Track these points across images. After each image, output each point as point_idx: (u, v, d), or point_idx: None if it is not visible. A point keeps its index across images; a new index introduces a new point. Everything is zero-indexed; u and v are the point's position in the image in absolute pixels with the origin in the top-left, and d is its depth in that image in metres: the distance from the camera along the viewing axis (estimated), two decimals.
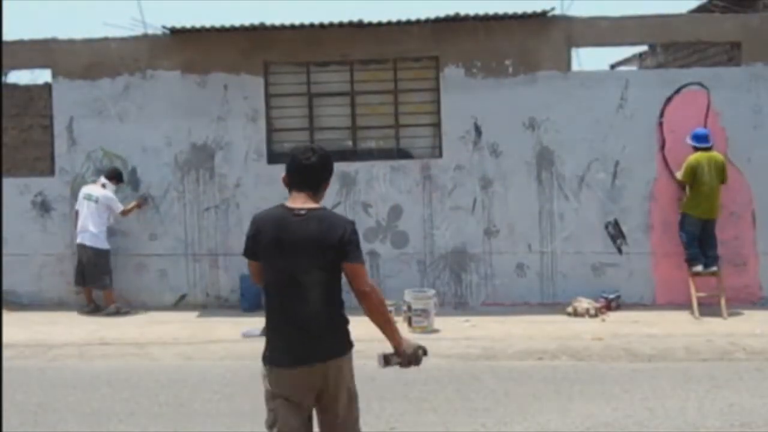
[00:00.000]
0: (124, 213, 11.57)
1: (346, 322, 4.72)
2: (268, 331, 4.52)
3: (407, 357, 4.87)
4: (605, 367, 8.28)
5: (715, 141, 11.19)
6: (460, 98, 11.52)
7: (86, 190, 11.58)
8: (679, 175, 10.94)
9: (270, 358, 4.46)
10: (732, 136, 11.29)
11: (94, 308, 11.54)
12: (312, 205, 4.72)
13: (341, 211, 11.43)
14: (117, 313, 11.38)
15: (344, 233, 4.51)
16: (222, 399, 7.22)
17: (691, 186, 10.84)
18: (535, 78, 11.48)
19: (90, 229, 11.43)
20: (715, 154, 10.89)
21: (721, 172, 10.83)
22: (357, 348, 9.15)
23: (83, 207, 11.52)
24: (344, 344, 4.70)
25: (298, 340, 4.41)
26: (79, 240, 11.51)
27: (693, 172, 10.76)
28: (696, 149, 10.84)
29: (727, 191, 11.13)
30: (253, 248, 4.64)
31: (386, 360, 4.91)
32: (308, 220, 4.60)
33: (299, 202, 4.76)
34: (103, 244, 11.49)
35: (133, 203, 11.68)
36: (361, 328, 10.38)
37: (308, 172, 4.84)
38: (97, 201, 11.45)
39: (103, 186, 11.53)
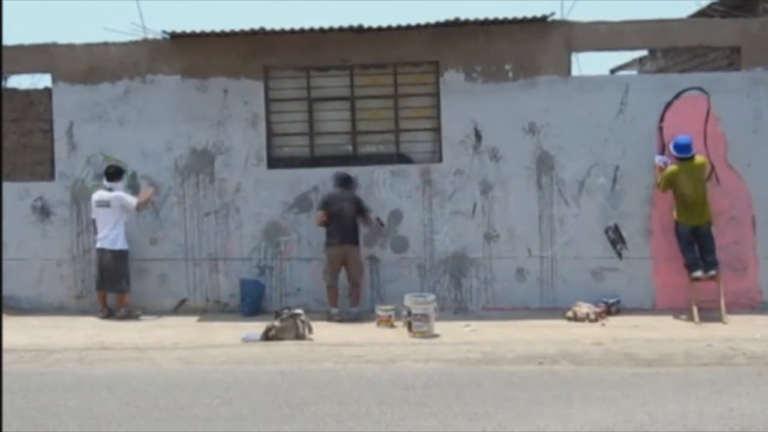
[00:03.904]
0: (140, 206, 11.55)
1: (359, 233, 11.32)
2: (329, 234, 11.20)
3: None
4: (605, 372, 8.27)
5: (714, 146, 11.22)
6: (460, 103, 11.54)
7: (97, 196, 11.56)
8: (660, 186, 10.99)
9: (329, 244, 11.21)
10: (732, 141, 11.30)
11: (108, 313, 11.48)
12: (346, 190, 11.34)
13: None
14: (128, 316, 11.36)
15: (359, 199, 11.32)
16: (222, 403, 7.21)
17: (675, 196, 10.89)
18: (535, 82, 11.49)
19: (107, 233, 11.42)
20: (697, 159, 10.90)
21: (703, 175, 10.88)
22: (358, 352, 9.26)
23: (98, 214, 11.54)
24: (357, 241, 11.29)
25: (342, 237, 11.11)
26: (98, 245, 11.49)
27: (669, 183, 10.81)
28: (678, 159, 10.86)
29: (726, 196, 11.17)
30: (326, 204, 11.19)
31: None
32: (347, 193, 11.28)
33: (339, 189, 11.31)
34: (121, 245, 11.47)
35: (144, 194, 11.65)
36: (360, 334, 10.42)
37: (346, 180, 11.42)
38: (108, 205, 11.43)
39: (110, 189, 11.50)
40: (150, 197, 11.71)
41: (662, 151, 11.24)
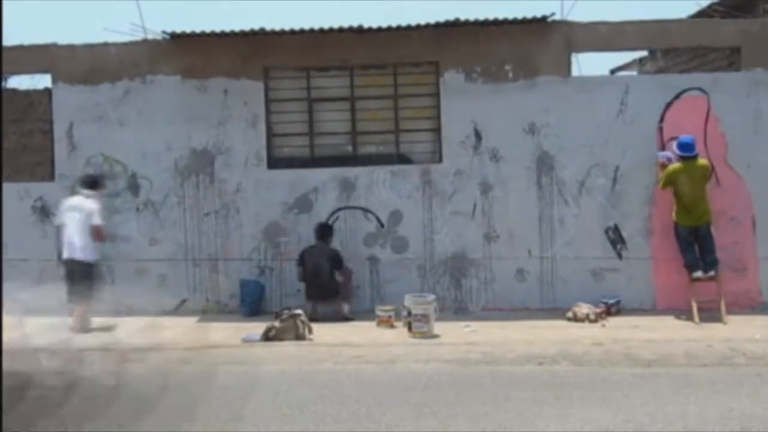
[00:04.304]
0: (98, 231, 10.71)
1: (338, 287, 11.23)
2: (306, 287, 11.29)
3: None
4: (605, 373, 8.27)
5: (714, 146, 11.22)
6: (460, 103, 11.53)
7: (70, 202, 10.94)
8: (659, 183, 10.99)
9: (307, 296, 11.25)
10: (732, 142, 11.30)
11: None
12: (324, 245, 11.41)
13: (342, 215, 11.69)
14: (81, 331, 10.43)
15: (336, 254, 11.30)
16: (222, 404, 7.20)
17: (675, 196, 10.89)
18: (535, 83, 11.49)
19: (76, 243, 10.69)
20: (699, 161, 10.89)
21: (703, 177, 10.86)
22: (357, 353, 9.21)
23: (68, 219, 10.79)
24: (335, 295, 11.22)
25: (317, 294, 11.16)
26: (66, 255, 10.75)
27: (669, 181, 10.81)
28: (680, 158, 10.85)
29: (726, 197, 11.16)
30: (302, 260, 11.34)
31: None
32: (325, 248, 11.37)
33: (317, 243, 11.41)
34: (92, 256, 10.77)
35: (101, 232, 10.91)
36: (360, 334, 10.41)
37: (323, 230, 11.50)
38: (80, 211, 10.75)
39: (87, 197, 10.88)
40: (102, 237, 10.89)
41: (663, 150, 11.24)
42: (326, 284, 11.18)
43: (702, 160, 10.95)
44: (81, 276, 10.67)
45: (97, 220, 10.73)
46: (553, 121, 11.47)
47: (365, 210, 11.70)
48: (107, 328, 10.78)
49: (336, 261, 11.29)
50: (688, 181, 10.79)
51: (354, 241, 11.71)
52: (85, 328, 10.59)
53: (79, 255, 10.71)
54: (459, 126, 11.58)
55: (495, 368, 8.50)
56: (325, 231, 11.48)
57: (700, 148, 11.09)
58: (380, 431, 6.43)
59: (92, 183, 11.10)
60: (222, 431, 6.51)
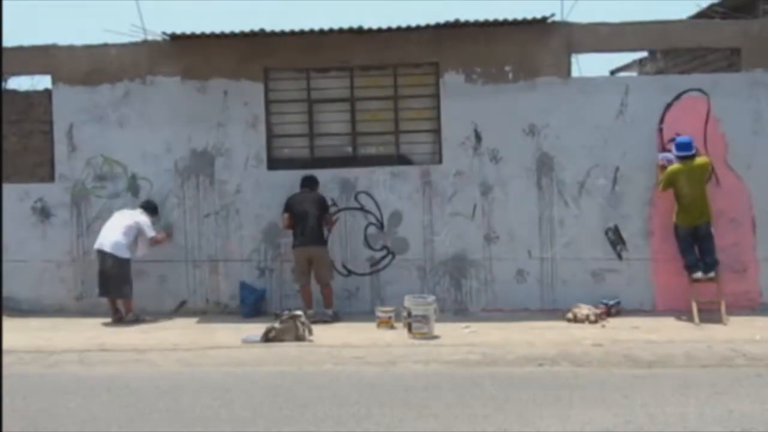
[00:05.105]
0: (156, 241, 11.49)
1: (323, 235, 11.32)
2: (294, 235, 11.26)
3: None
4: (605, 373, 8.26)
5: (714, 147, 11.22)
6: (460, 104, 11.54)
7: (123, 210, 11.60)
8: (660, 185, 10.99)
9: (294, 246, 11.24)
10: (732, 143, 11.30)
11: (119, 317, 11.36)
12: (309, 191, 11.33)
13: (341, 216, 11.70)
14: (136, 321, 11.27)
15: (323, 199, 11.33)
16: (222, 405, 7.20)
17: (675, 196, 10.89)
18: (535, 84, 11.49)
19: (113, 238, 11.27)
20: (698, 159, 10.89)
21: (703, 176, 10.86)
22: (357, 354, 9.25)
23: (115, 219, 11.47)
24: (323, 241, 11.35)
25: (306, 239, 11.14)
26: (97, 246, 11.35)
27: (670, 183, 10.81)
28: (678, 158, 10.85)
29: (726, 197, 11.16)
30: (289, 207, 11.22)
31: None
32: (310, 194, 11.29)
33: (303, 190, 11.32)
34: (124, 253, 11.31)
35: (162, 233, 11.66)
36: (360, 335, 10.42)
37: (309, 181, 11.43)
38: (130, 217, 11.41)
39: (142, 213, 11.54)
40: (162, 241, 11.65)
41: (663, 151, 11.23)
42: (314, 229, 11.21)
43: (701, 158, 10.95)
44: (114, 271, 11.34)
45: (151, 233, 11.44)
46: (553, 122, 11.47)
47: (365, 211, 11.71)
48: (143, 320, 11.18)
49: (322, 206, 11.32)
50: (688, 180, 10.79)
51: (354, 242, 11.71)
52: (129, 319, 11.40)
53: (111, 249, 11.30)
54: (459, 127, 11.59)
55: (495, 369, 8.50)
56: (310, 181, 11.40)
57: (700, 149, 11.10)
58: None
59: (150, 208, 11.68)
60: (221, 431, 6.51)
